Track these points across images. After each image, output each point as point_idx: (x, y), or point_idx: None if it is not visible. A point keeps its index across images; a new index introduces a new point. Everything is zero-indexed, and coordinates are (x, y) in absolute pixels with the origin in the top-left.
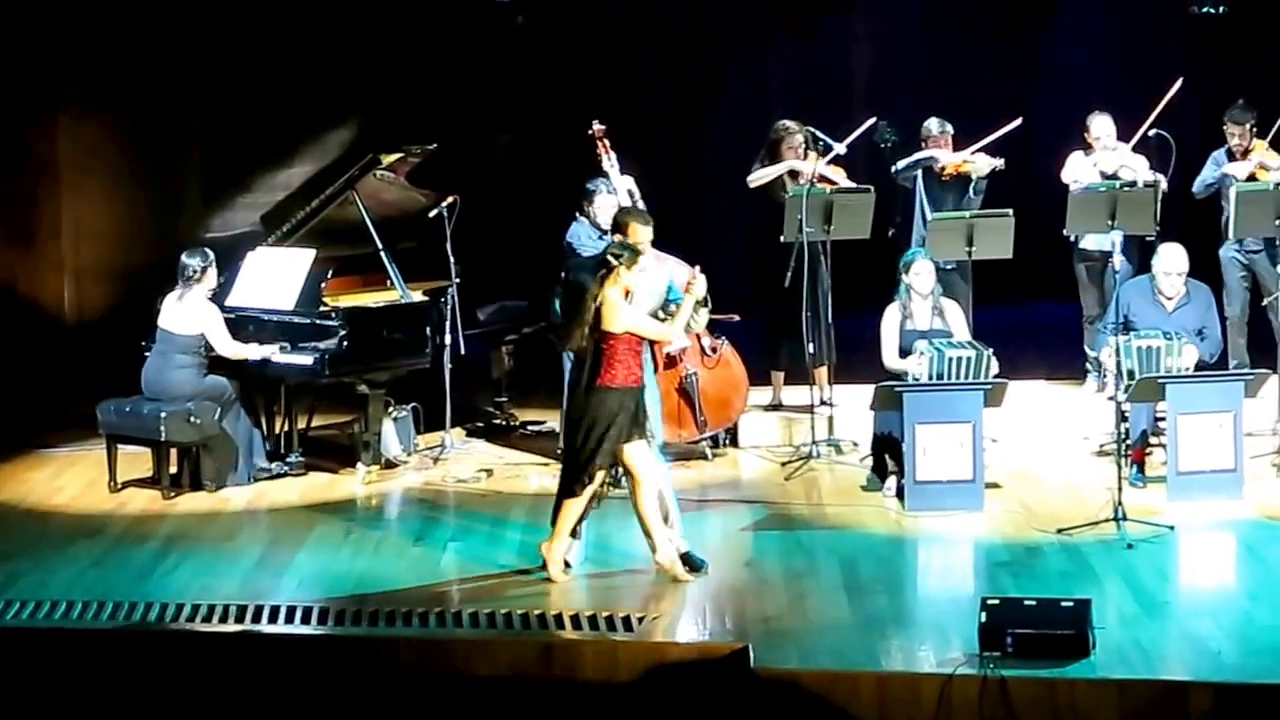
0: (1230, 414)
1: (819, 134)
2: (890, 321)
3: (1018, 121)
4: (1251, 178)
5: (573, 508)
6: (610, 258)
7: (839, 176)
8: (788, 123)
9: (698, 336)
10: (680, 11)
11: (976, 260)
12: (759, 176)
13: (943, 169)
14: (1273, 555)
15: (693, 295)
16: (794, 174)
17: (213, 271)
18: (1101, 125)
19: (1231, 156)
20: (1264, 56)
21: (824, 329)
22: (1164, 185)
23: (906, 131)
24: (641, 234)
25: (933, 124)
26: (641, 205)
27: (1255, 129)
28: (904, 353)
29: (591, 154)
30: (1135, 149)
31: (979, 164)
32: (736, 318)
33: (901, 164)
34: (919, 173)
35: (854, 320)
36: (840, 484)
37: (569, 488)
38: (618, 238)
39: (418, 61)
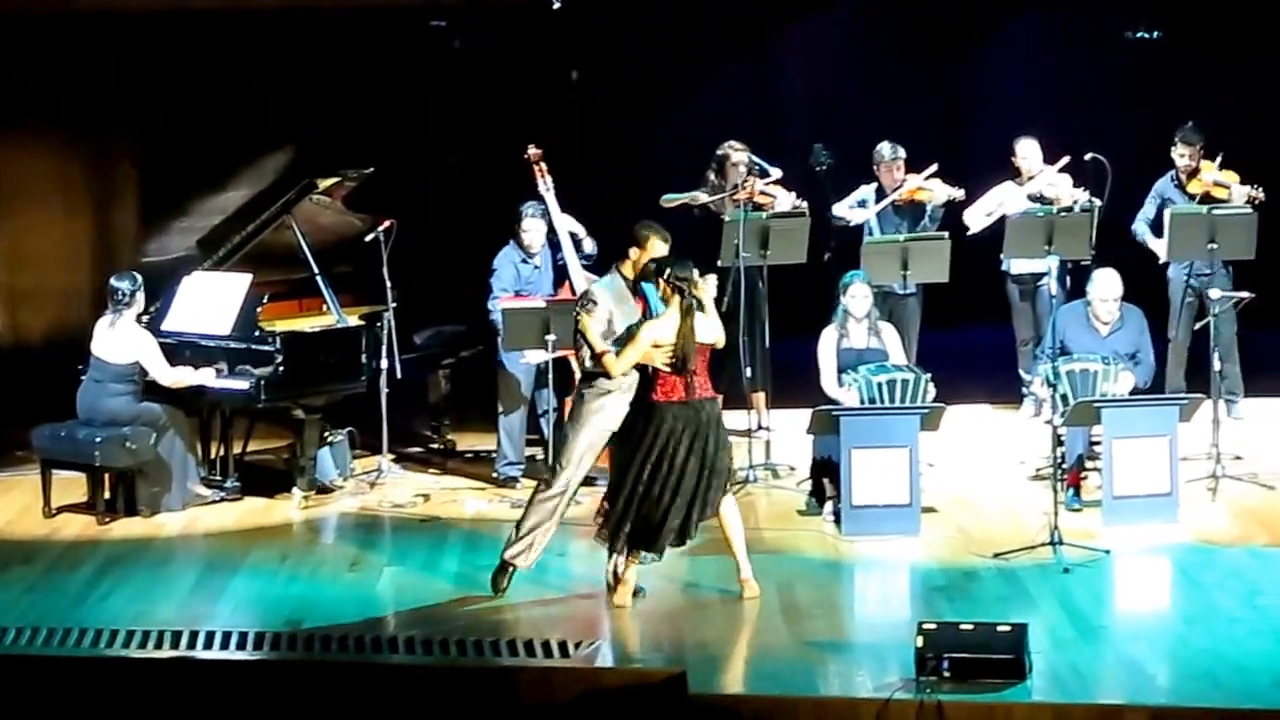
0: (1165, 438)
1: (756, 159)
2: (827, 344)
3: (934, 167)
4: (1207, 198)
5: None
6: (685, 274)
7: (779, 191)
8: (735, 143)
9: None
10: (616, 37)
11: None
12: (671, 198)
13: (898, 197)
14: (1207, 579)
15: (709, 296)
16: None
17: (141, 295)
18: (1026, 149)
19: (1178, 179)
20: (1198, 80)
21: (761, 353)
22: (1100, 202)
23: (842, 156)
24: (660, 248)
25: (885, 149)
26: (582, 234)
27: (1204, 150)
28: (842, 371)
29: (528, 178)
30: (1063, 170)
31: (936, 193)
32: None
33: (836, 211)
34: (870, 197)
35: (791, 345)
36: (777, 508)
37: (717, 503)
38: (635, 251)
39: (354, 86)
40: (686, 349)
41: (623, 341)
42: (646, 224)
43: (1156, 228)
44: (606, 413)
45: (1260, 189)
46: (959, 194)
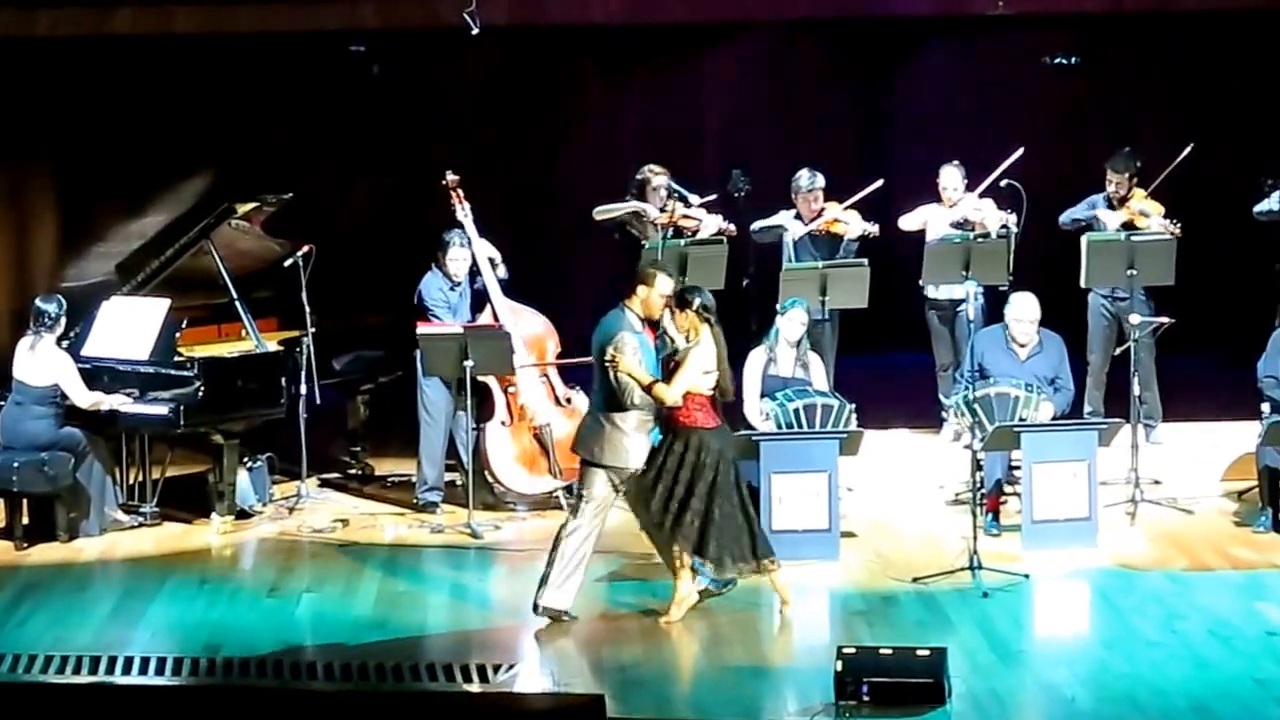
0: (1084, 463)
1: (675, 185)
2: (753, 367)
3: (879, 182)
4: (1129, 225)
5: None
6: (711, 303)
7: (704, 214)
8: (654, 167)
9: (552, 386)
10: (531, 59)
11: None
12: (605, 210)
13: (816, 228)
14: (1127, 603)
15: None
16: (639, 216)
17: (64, 318)
18: (949, 177)
19: (1110, 202)
20: (1113, 106)
21: None
22: (1015, 228)
23: (761, 181)
24: (667, 284)
25: (803, 177)
26: (498, 259)
27: (1135, 178)
28: (764, 398)
29: (446, 204)
30: (982, 195)
31: (851, 226)
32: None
33: (757, 226)
34: (787, 222)
35: None
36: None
37: None
38: (643, 289)
39: (274, 110)
40: (727, 377)
41: (669, 374)
42: (651, 261)
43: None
44: (640, 447)
45: (1178, 224)
46: (874, 229)
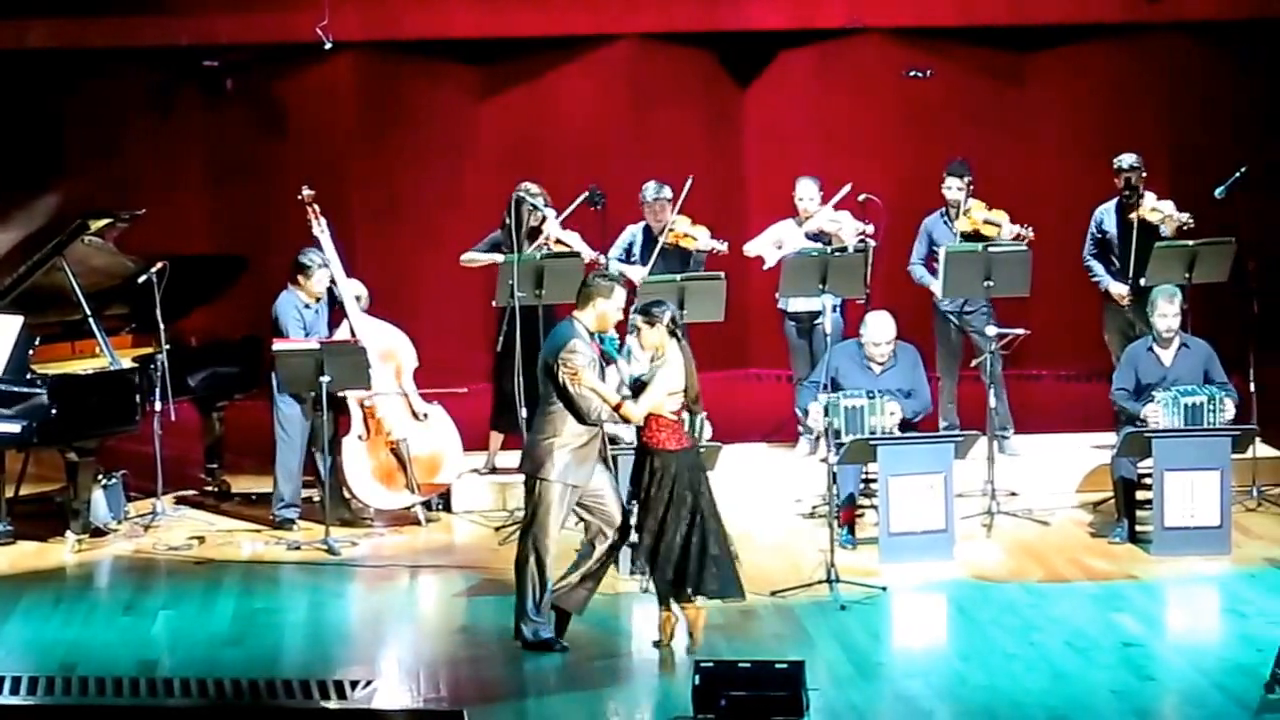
0: (941, 475)
1: (540, 203)
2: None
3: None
4: (975, 235)
5: None
6: (679, 317)
7: (574, 240)
8: (530, 186)
9: (410, 401)
10: (387, 72)
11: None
12: (470, 259)
13: (665, 242)
14: (983, 615)
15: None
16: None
17: None
18: (805, 188)
19: (947, 215)
20: (968, 120)
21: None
22: (874, 241)
23: (621, 194)
24: (621, 297)
25: (649, 189)
26: (336, 269)
27: (972, 185)
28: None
29: (302, 219)
30: (840, 207)
31: (700, 241)
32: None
33: (615, 266)
34: (638, 237)
35: None
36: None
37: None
38: (601, 302)
39: (128, 125)
40: (697, 391)
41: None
42: (604, 273)
43: (932, 267)
44: (573, 468)
45: (1030, 228)
46: (723, 247)
